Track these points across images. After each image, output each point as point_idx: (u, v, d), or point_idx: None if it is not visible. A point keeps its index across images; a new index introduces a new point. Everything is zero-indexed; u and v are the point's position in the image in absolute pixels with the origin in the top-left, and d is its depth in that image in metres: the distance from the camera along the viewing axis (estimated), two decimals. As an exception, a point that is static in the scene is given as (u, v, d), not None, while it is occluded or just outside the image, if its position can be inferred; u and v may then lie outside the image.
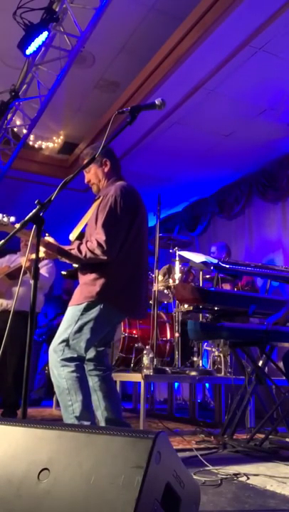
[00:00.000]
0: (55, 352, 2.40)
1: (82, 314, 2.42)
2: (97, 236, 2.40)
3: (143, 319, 4.60)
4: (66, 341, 2.39)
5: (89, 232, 2.55)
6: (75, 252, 2.42)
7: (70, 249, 2.44)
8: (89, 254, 2.38)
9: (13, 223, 2.54)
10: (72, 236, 2.65)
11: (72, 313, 2.46)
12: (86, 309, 2.42)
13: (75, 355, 2.39)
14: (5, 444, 1.33)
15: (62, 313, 6.49)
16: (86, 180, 2.74)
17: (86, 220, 2.66)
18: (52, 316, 6.27)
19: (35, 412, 4.92)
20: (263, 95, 4.88)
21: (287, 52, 4.27)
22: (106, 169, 2.67)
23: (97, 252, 2.37)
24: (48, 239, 2.51)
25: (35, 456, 1.25)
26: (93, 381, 2.55)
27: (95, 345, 2.51)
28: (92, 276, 2.46)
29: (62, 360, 2.37)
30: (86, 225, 2.63)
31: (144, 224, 2.64)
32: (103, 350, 2.65)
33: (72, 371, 2.35)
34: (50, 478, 1.19)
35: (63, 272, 2.78)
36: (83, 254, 2.39)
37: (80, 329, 2.40)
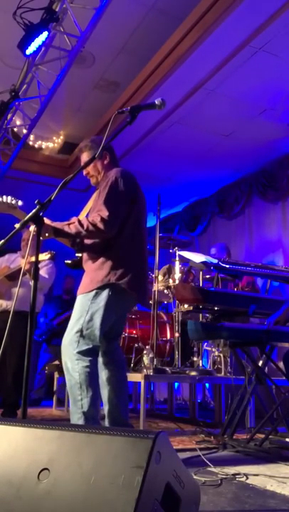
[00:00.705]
0: (70, 344, 2.39)
1: (92, 303, 2.42)
2: (99, 212, 2.42)
3: (143, 320, 4.61)
4: (80, 332, 2.38)
5: None
6: (75, 225, 2.41)
7: (69, 224, 2.43)
8: (90, 228, 2.38)
9: (21, 207, 2.56)
10: None
11: (82, 302, 2.46)
12: (95, 297, 2.42)
13: (91, 346, 2.38)
14: (5, 444, 1.33)
15: (63, 313, 6.50)
16: (85, 173, 2.74)
17: (88, 208, 2.68)
18: (52, 316, 6.27)
19: (35, 412, 4.92)
20: (263, 95, 4.88)
21: (287, 52, 4.27)
22: (105, 161, 2.70)
23: (99, 225, 2.37)
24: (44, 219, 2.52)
25: (35, 456, 1.25)
26: (107, 374, 2.54)
27: (108, 335, 2.51)
28: (99, 262, 2.47)
29: (78, 353, 2.36)
30: (88, 215, 2.64)
31: (143, 209, 2.67)
32: (117, 341, 2.66)
33: (87, 366, 2.35)
34: (50, 478, 1.19)
35: (67, 261, 2.75)
36: (84, 226, 2.39)
37: (92, 318, 2.40)
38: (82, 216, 2.67)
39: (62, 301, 6.46)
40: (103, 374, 2.54)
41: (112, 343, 2.60)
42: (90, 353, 2.38)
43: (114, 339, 2.62)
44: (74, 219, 2.46)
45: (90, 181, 2.77)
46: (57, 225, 2.42)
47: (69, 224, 2.43)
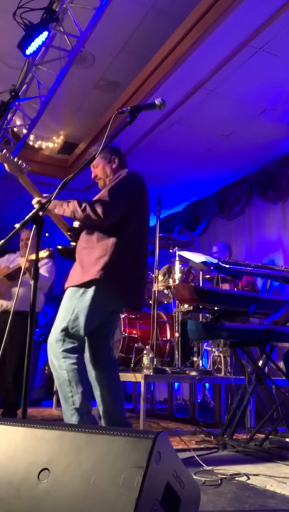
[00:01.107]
0: (55, 342, 2.39)
1: (78, 301, 2.41)
2: (101, 197, 2.43)
3: (143, 320, 4.61)
4: (65, 330, 2.38)
5: None
6: (73, 203, 2.40)
7: (68, 201, 2.42)
8: (88, 209, 2.37)
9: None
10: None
11: (69, 299, 2.44)
12: (82, 295, 2.41)
13: (76, 344, 2.38)
14: (5, 444, 1.33)
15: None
16: (93, 176, 2.75)
17: None
18: (52, 315, 6.27)
19: (35, 412, 4.92)
20: (263, 95, 4.88)
21: (287, 52, 4.26)
22: (114, 166, 2.71)
23: (98, 209, 2.36)
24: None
25: (35, 457, 1.25)
26: (98, 375, 2.54)
27: (96, 334, 2.50)
28: (93, 256, 2.45)
29: (64, 351, 2.36)
30: None
31: (147, 212, 2.67)
32: (108, 341, 2.65)
33: (74, 363, 2.34)
34: (50, 478, 1.19)
35: (59, 246, 2.71)
36: (82, 206, 2.38)
37: (77, 317, 2.39)
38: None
39: (61, 300, 6.45)
40: (94, 374, 2.54)
41: (101, 342, 2.59)
42: (75, 351, 2.38)
43: (102, 339, 2.60)
44: (74, 200, 2.45)
45: (98, 185, 2.76)
46: (54, 201, 2.40)
47: (68, 202, 2.42)
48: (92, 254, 2.46)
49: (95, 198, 2.51)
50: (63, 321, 2.41)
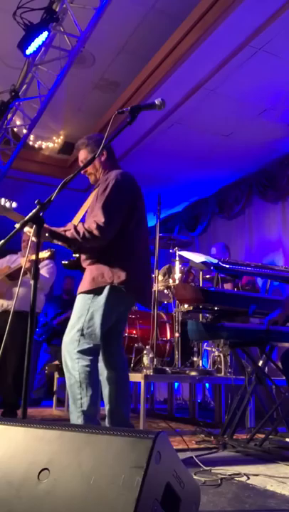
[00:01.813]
0: (71, 343, 2.38)
1: (92, 302, 2.41)
2: (95, 218, 2.40)
3: (143, 320, 4.61)
4: (81, 330, 2.38)
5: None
6: (71, 232, 2.38)
7: (65, 230, 2.40)
8: (87, 235, 2.36)
9: (15, 209, 2.52)
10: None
11: (82, 301, 2.45)
12: (96, 296, 2.41)
13: (92, 345, 2.37)
14: (5, 444, 1.33)
15: (63, 313, 6.49)
16: (83, 171, 2.73)
17: (85, 208, 2.66)
18: (52, 315, 6.27)
19: (35, 412, 4.92)
20: (263, 95, 4.88)
21: (287, 52, 4.27)
22: (103, 158, 2.67)
23: (95, 232, 2.35)
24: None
25: (35, 457, 1.25)
26: (109, 374, 2.54)
27: (109, 335, 2.50)
28: (99, 262, 2.46)
29: (79, 352, 2.35)
30: (86, 214, 2.63)
31: (143, 211, 2.65)
32: (120, 340, 2.66)
33: (87, 365, 2.34)
34: (50, 478, 1.19)
35: (64, 262, 2.72)
36: (81, 234, 2.36)
37: (92, 316, 2.39)
38: (79, 215, 2.65)
39: (62, 301, 6.47)
40: (105, 373, 2.54)
41: (114, 342, 2.60)
42: (90, 352, 2.37)
43: (115, 339, 2.61)
44: (70, 225, 2.43)
45: (89, 179, 2.76)
46: (53, 229, 2.39)
47: (65, 230, 2.40)
48: (98, 261, 2.47)
49: (90, 217, 2.48)
50: (78, 321, 2.41)
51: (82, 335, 2.37)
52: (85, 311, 2.41)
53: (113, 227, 2.43)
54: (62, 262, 2.73)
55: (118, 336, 2.66)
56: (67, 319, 2.54)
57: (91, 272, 2.48)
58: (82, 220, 2.61)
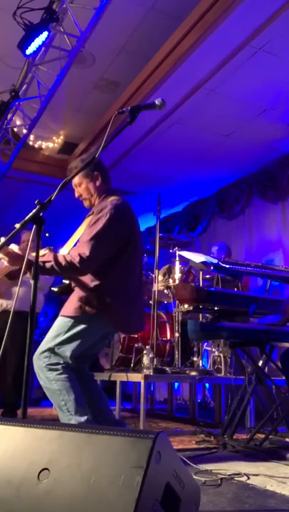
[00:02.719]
0: (39, 359, 2.42)
1: (72, 326, 2.40)
2: (79, 250, 2.35)
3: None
4: (51, 350, 2.40)
5: None
6: (50, 264, 2.33)
7: (46, 261, 2.35)
8: (67, 266, 2.32)
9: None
10: (64, 251, 2.60)
11: (62, 323, 2.44)
12: (77, 321, 2.40)
13: (61, 361, 2.39)
14: (5, 444, 1.33)
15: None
16: (77, 195, 2.67)
17: (78, 235, 2.62)
18: (52, 315, 6.27)
19: (35, 412, 4.93)
20: (263, 95, 4.88)
21: (287, 52, 4.27)
22: (98, 183, 2.60)
23: (77, 264, 2.31)
24: (13, 248, 2.47)
25: (35, 456, 1.25)
26: (81, 386, 2.51)
27: (81, 358, 2.49)
28: (88, 289, 2.44)
29: (48, 365, 2.38)
30: (78, 241, 2.59)
31: (138, 241, 2.60)
32: (88, 363, 2.64)
33: (60, 373, 2.36)
34: (50, 478, 1.19)
35: (54, 289, 2.72)
36: (62, 265, 2.31)
37: (68, 340, 2.39)
38: (71, 242, 2.62)
39: (62, 301, 6.45)
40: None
41: (84, 364, 2.58)
42: (59, 365, 2.39)
43: (88, 359, 2.60)
44: (49, 256, 2.37)
45: (84, 204, 2.69)
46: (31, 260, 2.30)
47: (45, 262, 2.35)
48: (87, 289, 2.45)
49: (76, 248, 2.45)
50: (53, 340, 2.42)
51: (53, 352, 2.40)
52: (62, 332, 2.41)
53: (96, 262, 2.38)
54: (52, 288, 2.73)
55: (90, 357, 2.64)
56: None
57: (78, 297, 2.45)
58: (75, 246, 2.58)
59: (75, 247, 2.54)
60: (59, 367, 2.38)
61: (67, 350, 2.39)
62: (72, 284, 2.57)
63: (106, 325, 2.47)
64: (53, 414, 4.86)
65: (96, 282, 2.43)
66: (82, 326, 2.40)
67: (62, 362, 2.39)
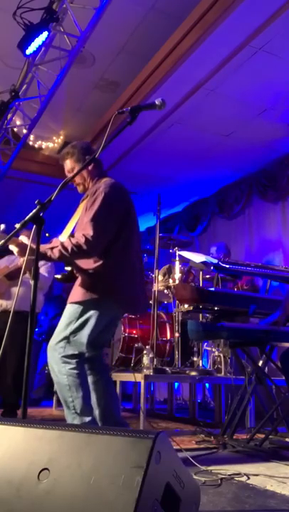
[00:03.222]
0: (55, 350, 2.40)
1: (82, 311, 2.41)
2: (84, 231, 2.37)
3: (143, 320, 4.61)
4: (67, 338, 2.39)
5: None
6: (58, 249, 2.35)
7: (52, 247, 2.38)
8: (75, 249, 2.33)
9: (5, 231, 2.51)
10: (63, 238, 2.62)
11: (72, 310, 2.45)
12: (86, 306, 2.42)
13: (76, 352, 2.39)
14: (5, 444, 1.33)
15: (63, 313, 6.44)
16: (71, 181, 2.70)
17: (75, 220, 2.64)
18: (52, 315, 6.27)
19: (35, 412, 4.92)
20: (263, 95, 4.88)
21: (287, 52, 4.27)
22: (90, 167, 2.64)
23: (84, 247, 2.33)
24: (22, 239, 2.49)
25: (35, 456, 1.25)
26: (92, 379, 2.55)
27: (94, 344, 2.50)
28: (90, 274, 2.45)
29: (63, 357, 2.37)
30: (76, 226, 2.61)
31: (135, 220, 2.64)
32: (101, 350, 2.65)
33: (73, 368, 2.35)
34: (50, 478, 1.19)
35: (58, 276, 2.73)
36: (69, 250, 2.33)
37: (81, 326, 2.40)
38: (69, 227, 2.63)
39: (62, 300, 6.45)
40: (90, 379, 2.54)
41: (97, 352, 2.59)
42: (75, 357, 2.39)
43: (100, 347, 2.61)
44: (56, 241, 2.41)
45: (77, 189, 2.72)
46: (42, 250, 2.34)
47: (52, 248, 2.37)
48: (90, 273, 2.46)
49: (78, 230, 2.47)
50: (66, 328, 2.42)
51: (68, 342, 2.39)
52: (74, 319, 2.42)
53: (102, 241, 2.40)
54: (56, 276, 2.73)
55: (102, 345, 2.65)
56: None
57: (83, 283, 2.47)
58: (73, 232, 2.59)
59: (74, 232, 2.56)
60: (73, 361, 2.37)
61: (83, 337, 2.39)
62: (76, 271, 2.57)
63: (114, 306, 2.48)
64: (53, 414, 4.86)
65: (97, 264, 2.44)
66: (92, 310, 2.41)
67: (77, 353, 2.39)
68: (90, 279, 2.45)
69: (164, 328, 4.61)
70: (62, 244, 2.36)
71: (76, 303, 2.45)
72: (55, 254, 2.35)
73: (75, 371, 2.35)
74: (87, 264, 2.47)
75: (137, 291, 2.56)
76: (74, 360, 2.38)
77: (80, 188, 2.72)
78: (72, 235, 2.52)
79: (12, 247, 2.42)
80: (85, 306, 2.42)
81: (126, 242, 2.53)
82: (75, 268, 2.56)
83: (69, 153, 2.67)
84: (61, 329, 2.44)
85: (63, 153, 2.68)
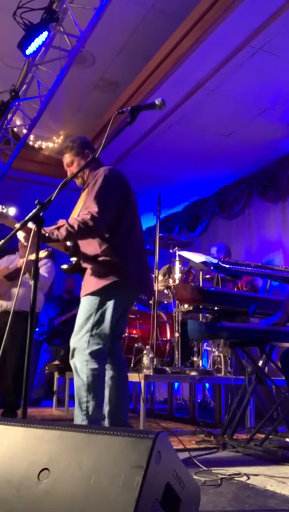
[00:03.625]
0: (80, 345, 2.39)
1: (100, 302, 2.42)
2: (88, 208, 2.39)
3: (143, 320, 4.61)
4: (90, 331, 2.38)
5: None
6: (65, 227, 2.36)
7: (58, 227, 2.38)
8: (82, 226, 2.34)
9: (19, 210, 2.51)
10: None
11: (89, 302, 2.45)
12: (102, 295, 2.42)
13: (101, 346, 2.38)
14: (5, 444, 1.33)
15: (63, 313, 6.46)
16: (69, 173, 2.72)
17: (78, 210, 2.65)
18: (52, 315, 6.27)
19: (35, 412, 4.92)
20: (263, 95, 4.88)
21: (287, 52, 4.27)
22: (88, 159, 2.63)
23: (90, 223, 2.34)
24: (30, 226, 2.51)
25: (35, 456, 1.25)
26: (109, 374, 2.55)
27: (114, 334, 2.49)
28: (99, 261, 2.46)
29: (89, 354, 2.36)
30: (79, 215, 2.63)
31: (136, 204, 2.66)
32: (119, 342, 2.66)
33: (95, 369, 2.35)
34: (50, 478, 1.19)
35: (64, 266, 2.72)
36: (76, 227, 2.34)
37: (102, 316, 2.40)
38: (72, 217, 2.65)
39: (63, 300, 6.46)
40: (106, 374, 2.54)
41: (115, 343, 2.60)
42: (100, 354, 2.38)
43: (117, 338, 2.62)
44: (62, 222, 2.41)
45: (76, 182, 2.73)
46: (45, 230, 2.36)
47: (58, 227, 2.38)
48: (97, 261, 2.47)
49: (83, 209, 2.49)
50: (86, 322, 2.41)
51: (91, 335, 2.38)
52: (94, 311, 2.41)
53: (107, 216, 2.42)
54: (62, 266, 2.73)
55: (119, 336, 2.67)
56: (69, 319, 2.55)
57: (93, 272, 2.47)
58: None
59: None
60: (96, 361, 2.36)
61: (106, 328, 2.39)
62: (82, 262, 2.58)
63: (128, 289, 2.49)
64: (53, 414, 4.86)
65: (103, 248, 2.45)
66: (109, 298, 2.42)
67: (102, 347, 2.38)
68: (100, 265, 2.45)
69: (164, 328, 4.61)
70: (68, 222, 2.38)
71: (91, 294, 2.44)
72: (62, 233, 2.36)
73: (96, 372, 2.34)
74: (94, 249, 2.48)
75: (143, 274, 2.58)
76: (98, 360, 2.36)
77: (78, 181, 2.74)
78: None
79: (19, 233, 2.40)
80: (102, 295, 2.42)
81: (129, 224, 2.55)
82: (82, 257, 2.56)
83: (68, 147, 2.72)
84: (81, 324, 2.42)
85: (62, 147, 2.74)
